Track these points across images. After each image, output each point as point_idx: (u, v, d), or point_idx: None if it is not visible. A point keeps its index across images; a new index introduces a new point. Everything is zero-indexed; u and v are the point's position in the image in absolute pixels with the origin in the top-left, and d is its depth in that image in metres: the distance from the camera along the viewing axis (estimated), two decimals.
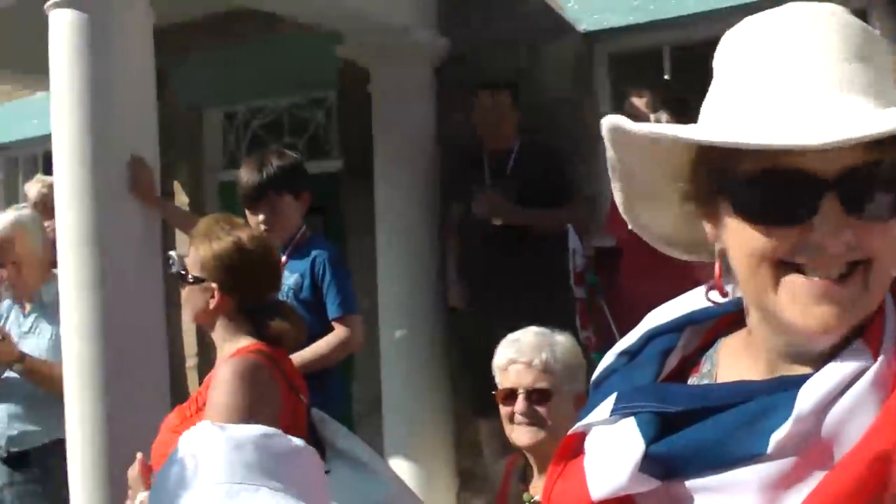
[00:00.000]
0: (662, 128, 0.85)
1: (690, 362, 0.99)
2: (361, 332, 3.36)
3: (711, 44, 0.95)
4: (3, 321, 3.81)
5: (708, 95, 0.92)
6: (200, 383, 6.28)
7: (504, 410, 2.30)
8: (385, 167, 4.68)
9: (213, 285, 2.28)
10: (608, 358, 1.04)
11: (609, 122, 0.88)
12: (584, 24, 4.62)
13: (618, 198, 0.98)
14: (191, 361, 5.98)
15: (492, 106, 4.33)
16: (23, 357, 3.48)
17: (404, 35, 4.58)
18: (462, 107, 4.60)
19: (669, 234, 1.02)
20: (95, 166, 3.12)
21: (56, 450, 3.36)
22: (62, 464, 3.22)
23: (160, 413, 3.16)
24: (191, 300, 2.33)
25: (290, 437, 1.31)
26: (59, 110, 3.18)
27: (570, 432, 0.97)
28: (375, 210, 4.74)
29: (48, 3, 3.20)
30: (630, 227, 1.01)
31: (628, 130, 0.86)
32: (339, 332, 3.23)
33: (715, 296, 0.96)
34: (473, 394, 4.48)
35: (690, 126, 0.86)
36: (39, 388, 3.49)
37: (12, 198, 7.90)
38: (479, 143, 4.43)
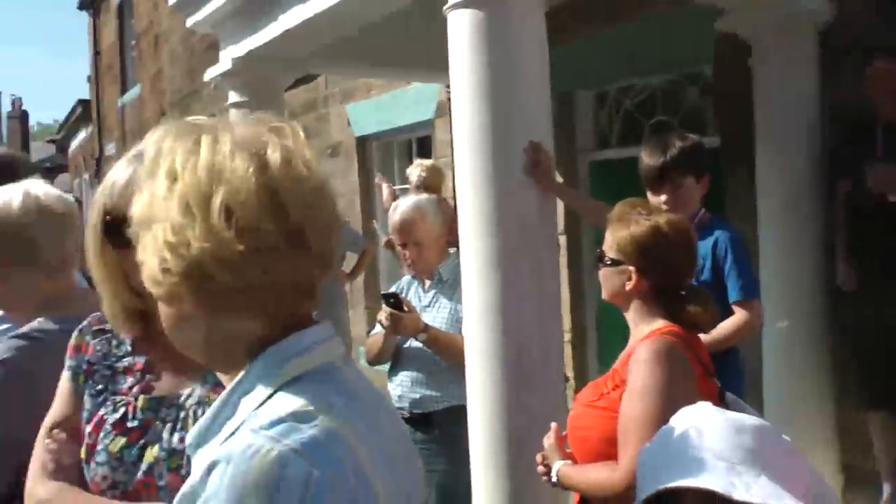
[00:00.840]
0: None
1: None
2: (761, 316, 3.30)
3: None
4: (404, 295, 4.14)
5: None
6: (574, 360, 6.51)
7: None
8: (766, 143, 4.52)
9: (630, 268, 2.35)
10: None
11: None
12: None
13: None
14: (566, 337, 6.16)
15: (890, 73, 4.04)
16: (426, 328, 3.74)
17: (791, 2, 4.38)
18: (850, 75, 4.33)
19: None
20: (495, 153, 3.26)
21: (455, 414, 3.58)
22: (460, 428, 3.41)
23: (555, 386, 3.33)
24: (608, 281, 2.42)
25: (779, 432, 1.33)
26: (461, 102, 3.36)
27: None
28: (756, 187, 4.59)
29: (447, 6, 3.38)
30: None
31: None
32: (740, 316, 3.19)
33: None
34: (863, 384, 4.23)
35: None
36: (440, 356, 3.73)
37: (390, 180, 8.57)
38: (871, 114, 4.15)
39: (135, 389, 1.72)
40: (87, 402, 1.76)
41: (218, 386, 1.62)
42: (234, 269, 1.15)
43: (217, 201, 1.15)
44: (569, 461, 2.32)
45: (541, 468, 2.40)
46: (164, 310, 1.26)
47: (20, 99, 35.93)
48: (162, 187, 1.19)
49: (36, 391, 1.94)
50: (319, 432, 1.11)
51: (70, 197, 2.35)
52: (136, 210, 1.23)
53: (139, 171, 1.66)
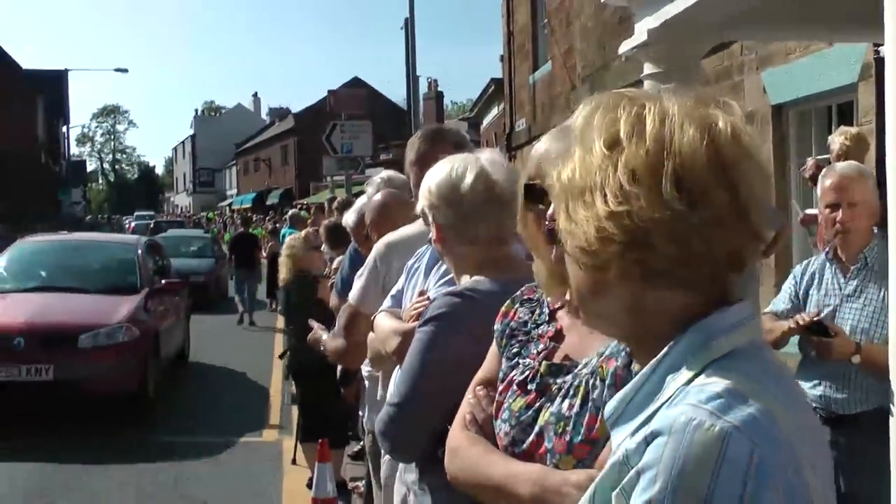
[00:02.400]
0: None
1: None
2: None
3: None
4: (811, 283, 3.83)
5: None
6: None
7: None
8: None
9: None
10: None
11: None
12: None
13: None
14: None
15: None
16: (858, 349, 3.40)
17: None
18: None
19: None
20: None
21: (876, 419, 3.22)
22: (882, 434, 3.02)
23: None
24: None
25: None
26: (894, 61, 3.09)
27: None
28: None
29: None
30: None
31: None
32: None
33: None
34: None
35: None
36: (876, 379, 3.26)
37: (805, 152, 8.11)
38: None
39: (541, 355, 1.81)
40: (503, 364, 1.88)
41: (610, 358, 1.64)
42: (680, 240, 1.14)
43: (667, 172, 1.14)
44: None
45: None
46: (581, 279, 1.25)
47: (436, 81, 38.93)
48: (598, 156, 1.19)
49: (466, 344, 2.11)
50: (757, 411, 1.08)
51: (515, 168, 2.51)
52: (564, 177, 1.24)
53: (566, 139, 1.75)
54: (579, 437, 1.62)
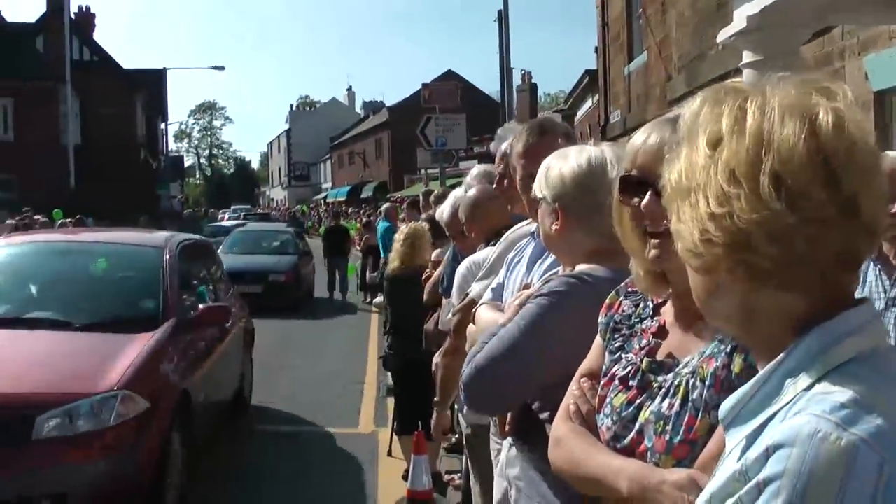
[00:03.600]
0: None
1: None
2: None
3: None
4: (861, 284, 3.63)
5: None
6: None
7: None
8: None
9: None
10: None
11: None
12: None
13: None
14: None
15: None
16: None
17: None
18: None
19: None
20: None
21: None
22: None
23: None
24: None
25: None
26: None
27: None
28: None
29: None
30: None
31: None
32: None
33: None
34: None
35: None
36: None
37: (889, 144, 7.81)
38: None
39: (643, 351, 1.79)
40: (606, 358, 1.88)
41: (710, 358, 1.62)
42: (781, 241, 1.10)
43: (766, 169, 1.10)
44: None
45: None
46: (696, 280, 1.24)
47: (529, 73, 38.93)
48: (702, 155, 1.16)
49: (572, 326, 2.12)
50: (886, 423, 1.03)
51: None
52: (672, 177, 1.21)
53: (674, 136, 1.71)
54: (679, 437, 1.61)
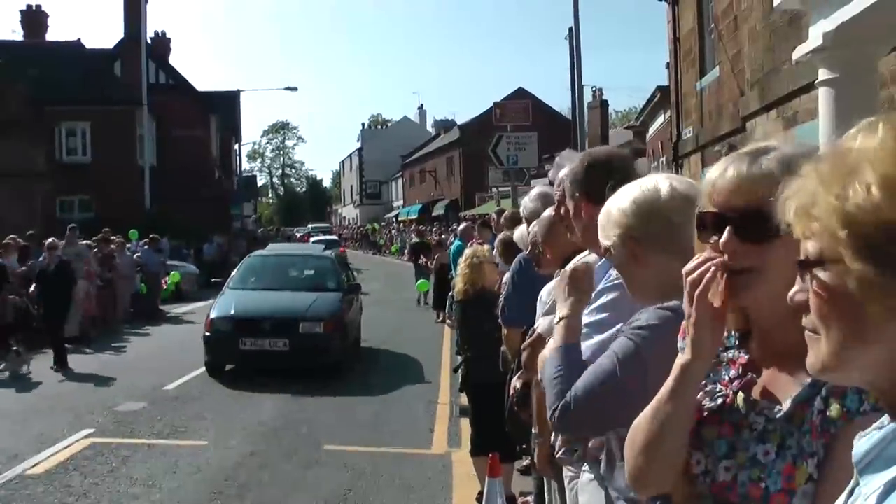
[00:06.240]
0: None
1: None
2: None
3: None
4: None
5: None
6: None
7: None
8: None
9: None
10: None
11: None
12: None
13: None
14: None
15: None
16: None
17: None
18: None
19: None
20: None
21: None
22: None
23: None
24: None
25: None
26: None
27: None
28: None
29: None
30: None
31: None
32: None
33: None
34: None
35: None
36: None
37: None
38: None
39: (735, 384, 1.72)
40: None
41: (804, 404, 1.57)
42: None
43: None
44: None
45: None
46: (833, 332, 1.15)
47: (600, 90, 38.89)
48: (863, 196, 1.06)
49: (666, 360, 2.06)
50: None
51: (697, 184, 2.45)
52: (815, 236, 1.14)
53: (741, 164, 1.67)
54: (776, 487, 1.56)
